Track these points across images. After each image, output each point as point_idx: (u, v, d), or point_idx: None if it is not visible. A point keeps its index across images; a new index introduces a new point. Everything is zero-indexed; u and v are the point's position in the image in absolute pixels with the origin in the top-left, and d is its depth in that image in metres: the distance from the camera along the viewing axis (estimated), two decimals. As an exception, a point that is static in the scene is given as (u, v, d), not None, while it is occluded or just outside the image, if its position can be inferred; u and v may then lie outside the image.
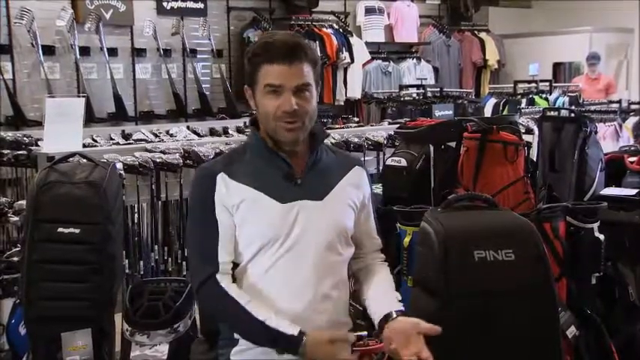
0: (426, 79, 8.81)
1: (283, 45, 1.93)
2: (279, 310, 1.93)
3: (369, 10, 9.12)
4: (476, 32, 10.04)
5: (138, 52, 7.16)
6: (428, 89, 7.92)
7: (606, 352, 2.77)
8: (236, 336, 1.99)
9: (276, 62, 1.92)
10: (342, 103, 8.42)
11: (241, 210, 1.96)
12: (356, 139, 4.75)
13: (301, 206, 1.98)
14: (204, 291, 1.98)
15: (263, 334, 1.91)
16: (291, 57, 1.92)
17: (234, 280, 2.00)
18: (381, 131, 4.95)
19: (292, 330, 1.88)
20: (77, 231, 2.71)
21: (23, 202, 3.23)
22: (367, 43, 8.84)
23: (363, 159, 4.32)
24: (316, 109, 2.01)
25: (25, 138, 4.49)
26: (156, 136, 5.07)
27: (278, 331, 1.88)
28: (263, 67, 1.94)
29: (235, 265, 2.01)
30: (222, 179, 1.98)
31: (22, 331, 2.89)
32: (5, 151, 4.27)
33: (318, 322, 1.96)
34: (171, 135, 5.15)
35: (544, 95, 7.66)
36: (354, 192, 2.10)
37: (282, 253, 1.96)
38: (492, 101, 7.74)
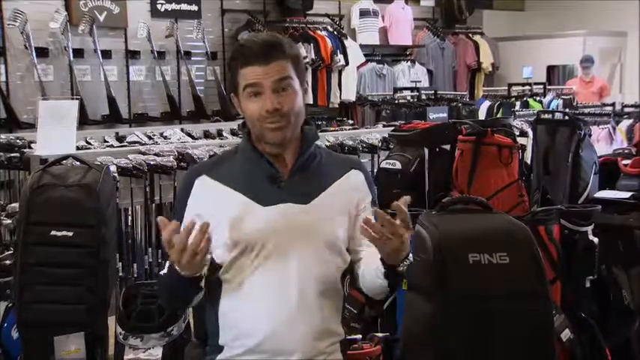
0: (420, 81, 8.81)
1: (256, 45, 1.89)
2: (258, 320, 1.83)
3: (364, 13, 9.11)
4: (470, 35, 10.06)
5: (132, 55, 7.14)
6: (422, 92, 7.94)
7: (601, 356, 2.77)
8: (220, 342, 1.93)
9: (251, 64, 1.87)
10: (337, 106, 8.41)
11: (221, 212, 1.90)
12: (350, 142, 4.76)
13: (283, 210, 1.89)
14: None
15: (173, 279, 1.81)
16: (267, 56, 1.87)
17: (219, 284, 1.93)
18: (375, 134, 4.96)
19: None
20: (70, 234, 2.71)
21: (16, 205, 3.22)
22: (362, 46, 8.84)
23: (357, 162, 4.32)
24: (303, 106, 1.94)
25: (18, 140, 4.47)
26: (150, 138, 5.06)
27: (169, 266, 1.81)
28: (240, 71, 1.89)
29: (219, 267, 1.93)
30: (200, 182, 1.95)
31: (15, 334, 2.88)
32: (-2, 154, 4.26)
33: (302, 332, 1.87)
34: (165, 137, 5.13)
35: (538, 98, 7.66)
36: (348, 196, 1.98)
37: (262, 259, 1.87)
38: (486, 104, 7.74)
